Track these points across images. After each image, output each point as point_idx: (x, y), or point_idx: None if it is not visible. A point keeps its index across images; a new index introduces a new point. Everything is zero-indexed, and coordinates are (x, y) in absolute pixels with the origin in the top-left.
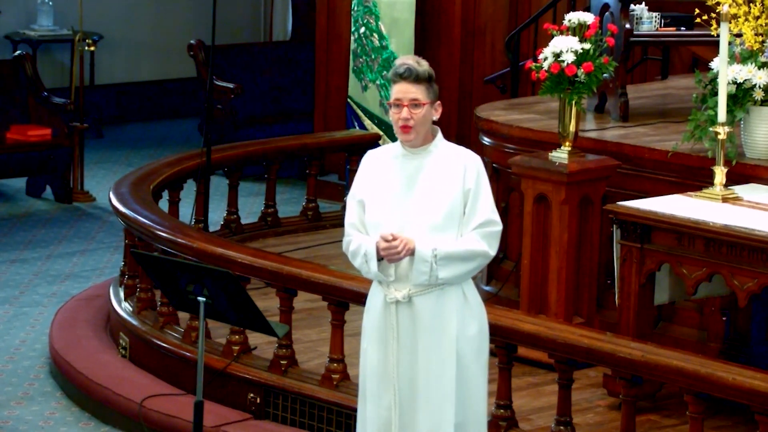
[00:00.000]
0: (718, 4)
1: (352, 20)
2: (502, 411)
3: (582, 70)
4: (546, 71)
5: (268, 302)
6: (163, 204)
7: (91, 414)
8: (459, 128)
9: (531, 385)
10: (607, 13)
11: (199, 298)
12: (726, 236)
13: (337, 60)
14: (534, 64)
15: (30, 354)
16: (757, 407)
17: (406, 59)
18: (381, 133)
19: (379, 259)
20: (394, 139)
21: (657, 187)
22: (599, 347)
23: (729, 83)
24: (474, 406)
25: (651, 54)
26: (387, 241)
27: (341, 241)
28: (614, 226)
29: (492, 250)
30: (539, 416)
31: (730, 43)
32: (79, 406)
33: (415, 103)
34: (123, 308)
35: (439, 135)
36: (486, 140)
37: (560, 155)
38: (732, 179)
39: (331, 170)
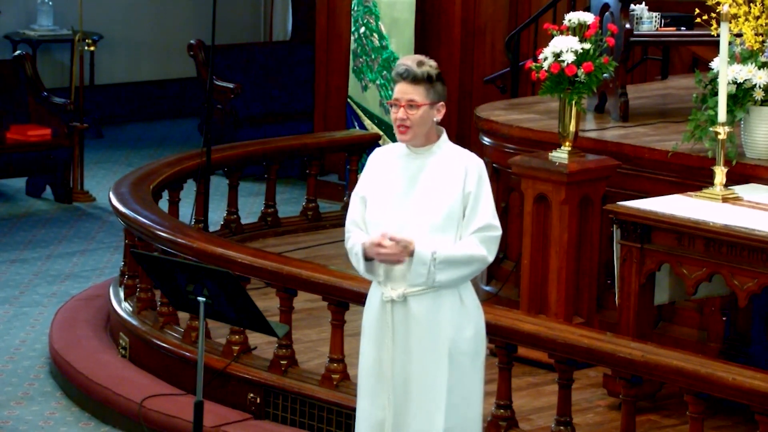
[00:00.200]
0: (718, 4)
1: (352, 20)
2: (502, 411)
3: (582, 70)
4: (546, 71)
5: (268, 302)
6: (163, 204)
7: (91, 414)
8: (459, 128)
9: (531, 385)
10: (607, 13)
11: (199, 298)
12: (726, 236)
13: (337, 60)
14: (534, 64)
15: (30, 354)
16: (757, 407)
17: (406, 59)
18: (381, 133)
19: (369, 259)
20: (394, 139)
21: (657, 187)
22: (599, 347)
23: (729, 83)
24: (468, 411)
25: (651, 54)
26: (377, 244)
27: (341, 241)
28: (614, 226)
29: (491, 256)
30: (539, 416)
31: (730, 43)
32: (79, 406)
33: (411, 104)
34: (123, 308)
35: (444, 136)
36: (486, 140)
37: (560, 155)
38: (732, 179)
39: (331, 170)
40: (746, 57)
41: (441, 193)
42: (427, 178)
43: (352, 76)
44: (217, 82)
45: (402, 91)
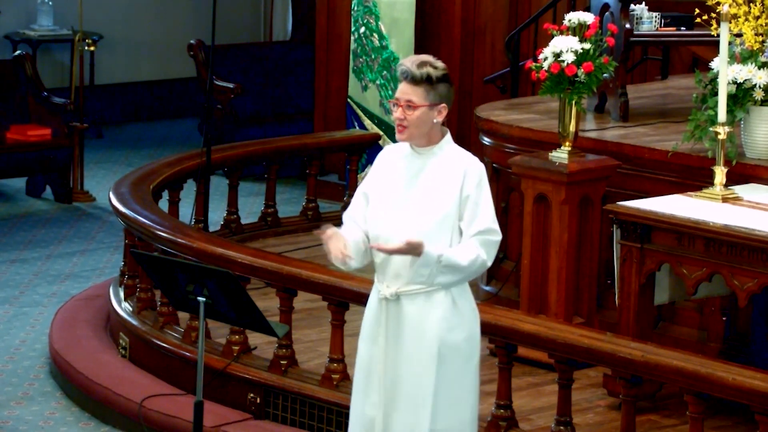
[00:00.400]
0: (718, 4)
1: (352, 20)
2: (502, 411)
3: (582, 70)
4: (546, 71)
5: (268, 302)
6: (163, 204)
7: (91, 414)
8: (459, 128)
9: (531, 385)
10: (607, 13)
11: (199, 298)
12: (726, 236)
13: (337, 60)
14: (534, 64)
15: (30, 354)
16: (757, 407)
17: (409, 59)
18: (381, 133)
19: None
20: (394, 139)
21: (657, 187)
22: (599, 347)
23: (729, 83)
24: (459, 414)
25: (651, 54)
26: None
27: None
28: (614, 226)
29: (490, 260)
30: (539, 416)
31: (730, 43)
32: (79, 406)
33: (409, 105)
34: (123, 308)
35: (447, 137)
36: (486, 140)
37: (560, 155)
38: (732, 179)
39: (331, 170)
40: (746, 57)
41: (438, 195)
42: (427, 179)
43: (352, 76)
44: (217, 82)
45: (402, 91)
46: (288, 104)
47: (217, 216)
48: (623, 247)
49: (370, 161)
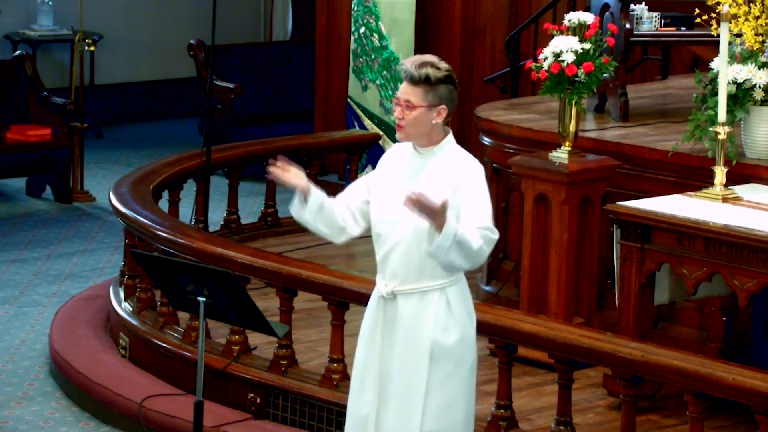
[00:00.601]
0: (718, 4)
1: (352, 20)
2: (502, 411)
3: (582, 70)
4: (546, 71)
5: (268, 302)
6: (163, 204)
7: (91, 414)
8: (459, 128)
9: (531, 385)
10: (607, 13)
11: (199, 298)
12: (726, 236)
13: (337, 60)
14: (534, 64)
15: (30, 354)
16: (757, 407)
17: (410, 59)
18: (381, 133)
19: None
20: (394, 138)
21: (657, 187)
22: (599, 347)
23: (729, 83)
24: (451, 416)
25: (651, 54)
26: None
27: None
28: (614, 226)
29: (487, 254)
30: (539, 416)
31: (730, 43)
32: (79, 406)
33: (407, 105)
34: (123, 308)
35: (448, 138)
36: (486, 140)
37: (560, 155)
38: (732, 179)
39: (331, 170)
40: (746, 57)
41: (435, 194)
42: (426, 179)
43: (352, 76)
44: (217, 82)
45: (402, 90)
46: (288, 104)
47: (217, 216)
48: (623, 247)
49: (370, 161)
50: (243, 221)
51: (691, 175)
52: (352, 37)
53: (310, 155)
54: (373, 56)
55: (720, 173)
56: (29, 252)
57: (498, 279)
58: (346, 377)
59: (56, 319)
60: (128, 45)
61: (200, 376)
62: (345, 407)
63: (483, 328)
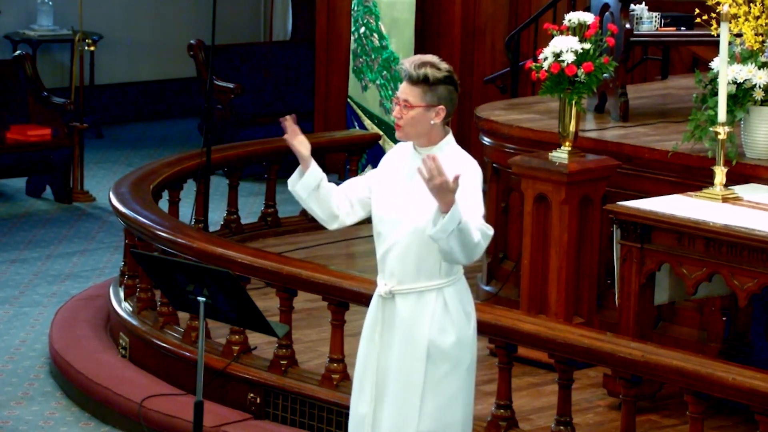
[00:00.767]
0: (718, 4)
1: (352, 20)
2: (502, 411)
3: (582, 70)
4: (546, 71)
5: (268, 302)
6: (163, 204)
7: (91, 414)
8: (459, 128)
9: (531, 385)
10: (607, 13)
11: (199, 298)
12: (726, 236)
13: (337, 60)
14: (534, 64)
15: (30, 354)
16: (757, 407)
17: (410, 59)
18: (381, 133)
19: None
20: (394, 138)
21: (657, 187)
22: (599, 347)
23: (729, 83)
24: (447, 417)
25: (651, 54)
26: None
27: (341, 240)
28: (614, 226)
29: (482, 252)
30: (539, 416)
31: (730, 43)
32: (79, 406)
33: (405, 104)
34: (123, 308)
35: (447, 138)
36: (486, 140)
37: (560, 155)
38: (732, 179)
39: (331, 170)
40: (746, 57)
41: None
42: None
43: (352, 76)
44: (217, 82)
45: (401, 89)
46: (288, 104)
47: (217, 216)
48: (623, 247)
49: (370, 161)
50: (243, 221)
51: (691, 175)
52: (352, 37)
53: (310, 155)
54: (373, 56)
55: (720, 173)
56: (29, 252)
57: (498, 279)
58: (346, 377)
59: (56, 319)
60: (128, 45)
61: (200, 376)
62: (345, 407)
63: (483, 328)
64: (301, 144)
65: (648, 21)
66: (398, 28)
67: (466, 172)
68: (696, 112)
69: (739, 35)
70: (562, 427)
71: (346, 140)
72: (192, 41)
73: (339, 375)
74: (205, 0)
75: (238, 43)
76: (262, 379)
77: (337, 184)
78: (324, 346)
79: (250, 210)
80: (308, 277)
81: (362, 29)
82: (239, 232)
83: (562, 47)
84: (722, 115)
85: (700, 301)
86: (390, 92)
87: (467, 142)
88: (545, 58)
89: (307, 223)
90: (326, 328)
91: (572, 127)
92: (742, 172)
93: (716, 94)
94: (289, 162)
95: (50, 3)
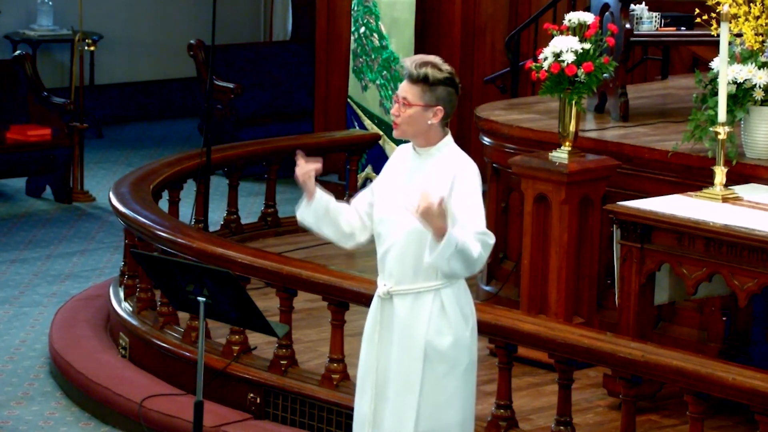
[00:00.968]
0: (718, 4)
1: (352, 20)
2: (502, 411)
3: (582, 70)
4: (546, 71)
5: (268, 302)
6: (163, 204)
7: (91, 414)
8: (459, 128)
9: (531, 385)
10: (607, 13)
11: (199, 298)
12: (726, 236)
13: (337, 60)
14: (534, 64)
15: (30, 354)
16: (757, 407)
17: (412, 58)
18: (381, 133)
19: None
20: (394, 138)
21: (657, 187)
22: (599, 347)
23: (729, 83)
24: (444, 418)
25: (651, 54)
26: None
27: None
28: (614, 226)
29: (484, 262)
30: (539, 416)
31: (730, 43)
32: (79, 406)
33: (404, 102)
34: (123, 308)
35: (446, 139)
36: (486, 140)
37: (560, 155)
38: (732, 179)
39: (331, 170)
40: (746, 57)
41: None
42: (421, 180)
43: (352, 76)
44: (217, 82)
45: (401, 88)
46: (288, 104)
47: (217, 216)
48: (623, 247)
49: (370, 161)
50: (243, 221)
51: (691, 175)
52: (352, 37)
53: (310, 155)
54: (373, 56)
55: (720, 173)
56: (29, 252)
57: (498, 279)
58: (346, 377)
59: (56, 319)
60: (128, 45)
61: (200, 376)
62: (345, 407)
63: (483, 328)
64: (311, 179)
65: (648, 21)
66: (398, 28)
67: (465, 175)
68: (696, 112)
69: (739, 35)
70: (562, 427)
71: (346, 140)
72: (192, 41)
73: (339, 375)
74: (205, 0)
75: (238, 43)
76: (262, 379)
77: (337, 184)
78: (324, 346)
79: (250, 210)
80: (308, 277)
81: (362, 29)
82: (239, 232)
83: (562, 47)
84: (722, 115)
85: (700, 301)
86: (390, 92)
87: (467, 142)
88: (545, 58)
89: None
90: (326, 328)
91: (572, 127)
92: (742, 172)
93: (716, 94)
94: (289, 162)
95: (50, 3)
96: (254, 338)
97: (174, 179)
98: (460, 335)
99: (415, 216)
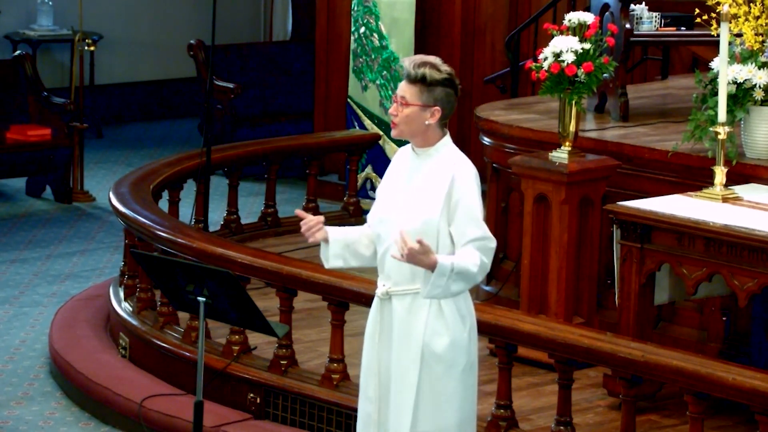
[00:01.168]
0: (718, 4)
1: (352, 20)
2: (502, 411)
3: (582, 70)
4: (546, 71)
5: (268, 302)
6: (163, 204)
7: (91, 414)
8: (459, 128)
9: (531, 385)
10: (607, 13)
11: (199, 298)
12: (726, 236)
13: (337, 60)
14: (534, 64)
15: (30, 354)
16: (757, 407)
17: (411, 58)
18: (381, 133)
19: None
20: (393, 139)
21: (657, 187)
22: (599, 347)
23: (729, 83)
24: (441, 419)
25: (651, 54)
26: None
27: None
28: (614, 226)
29: (489, 267)
30: (539, 416)
31: (730, 43)
32: (79, 406)
33: (402, 102)
34: (123, 308)
35: (444, 140)
36: (486, 140)
37: (560, 155)
38: (732, 179)
39: (331, 170)
40: (746, 57)
41: (425, 198)
42: (420, 181)
43: (352, 76)
44: (217, 82)
45: (400, 87)
46: (288, 104)
47: (217, 216)
48: (623, 247)
49: (370, 161)
50: (243, 221)
51: (691, 175)
52: (352, 37)
53: (310, 155)
54: (373, 56)
55: (720, 173)
56: (29, 252)
57: (498, 279)
58: (346, 377)
59: (56, 319)
60: (128, 45)
61: (200, 376)
62: (345, 407)
63: (483, 328)
64: (319, 232)
65: (648, 21)
66: (398, 28)
67: (463, 177)
68: (696, 112)
69: (739, 35)
70: (562, 427)
71: (346, 140)
72: (192, 41)
73: (339, 375)
74: (205, 0)
75: (238, 43)
76: (262, 379)
77: (337, 184)
78: (324, 346)
79: (250, 210)
80: (308, 277)
81: (362, 29)
82: (239, 232)
83: (562, 47)
84: (722, 115)
85: (700, 301)
86: (390, 92)
87: (467, 142)
88: (545, 58)
89: None
90: (326, 328)
91: (572, 127)
92: (742, 172)
93: (716, 94)
94: (289, 162)
95: (50, 3)
96: (254, 338)
97: (174, 179)
98: (457, 336)
99: (403, 262)
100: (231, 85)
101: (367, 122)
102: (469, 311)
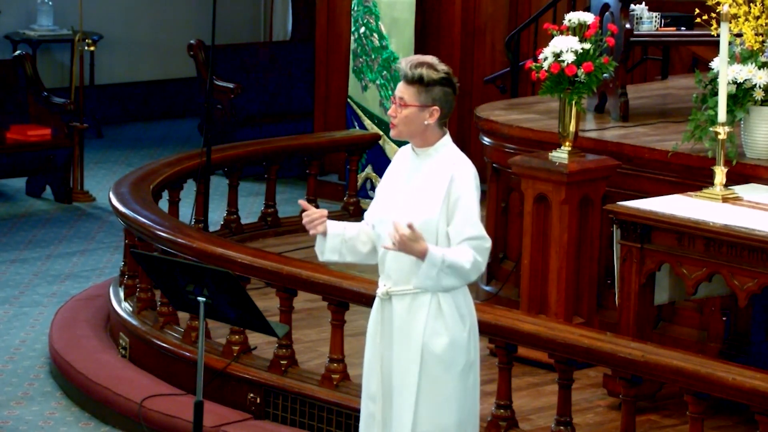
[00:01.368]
0: (718, 4)
1: (352, 20)
2: (502, 411)
3: (582, 70)
4: (546, 71)
5: (268, 302)
6: (163, 204)
7: (91, 414)
8: (459, 128)
9: (531, 385)
10: (607, 13)
11: (199, 298)
12: (726, 236)
13: (337, 60)
14: (534, 64)
15: (30, 354)
16: (757, 407)
17: (407, 59)
18: (381, 133)
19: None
20: (393, 139)
21: (657, 187)
22: (599, 347)
23: (729, 83)
24: (440, 419)
25: (651, 54)
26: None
27: None
28: (614, 226)
29: (484, 265)
30: (539, 416)
31: (730, 43)
32: (79, 406)
33: (400, 103)
34: (123, 308)
35: (444, 140)
36: (486, 140)
37: (560, 155)
38: (732, 179)
39: (331, 170)
40: (746, 57)
41: (424, 197)
42: (419, 180)
43: (352, 76)
44: (217, 82)
45: (398, 88)
46: (288, 104)
47: (217, 216)
48: (623, 247)
49: (370, 161)
50: (243, 221)
51: (691, 175)
52: (352, 37)
53: (310, 155)
54: (373, 56)
55: (720, 173)
56: (29, 252)
57: (498, 279)
58: (346, 377)
59: (56, 319)
60: (128, 45)
61: (200, 376)
62: (345, 407)
63: (483, 328)
64: (320, 225)
65: (648, 21)
66: (398, 28)
67: (462, 177)
68: (696, 112)
69: (739, 35)
70: (562, 427)
71: (346, 140)
72: (192, 41)
73: (339, 375)
74: (205, 0)
75: (238, 43)
76: (262, 379)
77: (337, 184)
78: (324, 346)
79: (250, 210)
80: (308, 277)
81: (362, 29)
82: (239, 232)
83: (562, 47)
84: (722, 115)
85: (700, 301)
86: (390, 92)
87: (467, 142)
88: (545, 58)
89: None
90: (326, 328)
91: (572, 127)
92: (742, 172)
93: (716, 94)
94: (289, 162)
95: (50, 3)
96: (254, 338)
97: (174, 179)
98: (456, 336)
99: (396, 250)
100: (231, 85)
101: (367, 122)
102: (470, 311)
